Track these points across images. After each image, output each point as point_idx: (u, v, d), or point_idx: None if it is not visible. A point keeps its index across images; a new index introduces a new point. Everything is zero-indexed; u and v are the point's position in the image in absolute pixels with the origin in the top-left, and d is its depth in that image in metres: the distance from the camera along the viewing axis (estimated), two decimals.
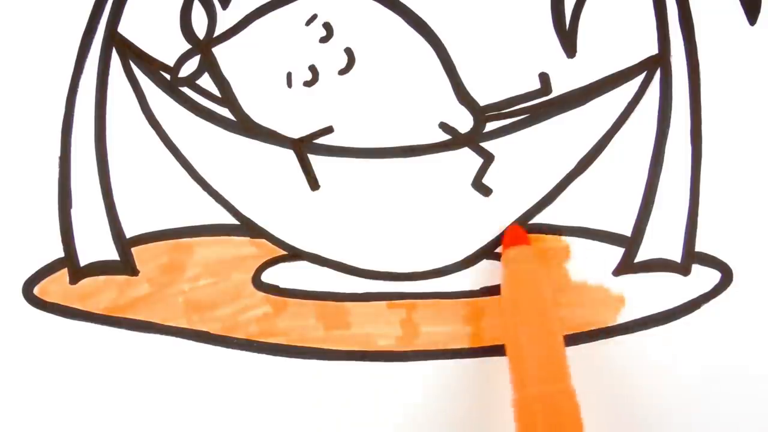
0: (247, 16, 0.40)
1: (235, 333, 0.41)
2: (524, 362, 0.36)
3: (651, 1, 0.39)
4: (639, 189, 0.40)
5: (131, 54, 0.40)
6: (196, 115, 0.40)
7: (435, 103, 0.40)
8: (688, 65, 0.39)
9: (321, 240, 0.40)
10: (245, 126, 0.40)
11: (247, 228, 0.40)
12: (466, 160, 0.40)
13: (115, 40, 0.40)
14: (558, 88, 0.40)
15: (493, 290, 0.40)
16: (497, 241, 0.40)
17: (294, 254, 0.40)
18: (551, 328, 0.37)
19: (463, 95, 0.40)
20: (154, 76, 0.40)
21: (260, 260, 0.41)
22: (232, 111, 0.40)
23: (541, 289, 0.38)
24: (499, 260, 0.40)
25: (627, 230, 0.40)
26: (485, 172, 0.40)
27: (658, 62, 0.40)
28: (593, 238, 0.40)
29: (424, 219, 0.40)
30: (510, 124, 0.40)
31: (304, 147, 0.40)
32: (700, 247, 0.40)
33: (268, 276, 0.41)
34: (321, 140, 0.40)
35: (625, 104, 0.40)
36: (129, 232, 0.41)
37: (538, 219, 0.40)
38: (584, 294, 0.40)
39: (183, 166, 0.40)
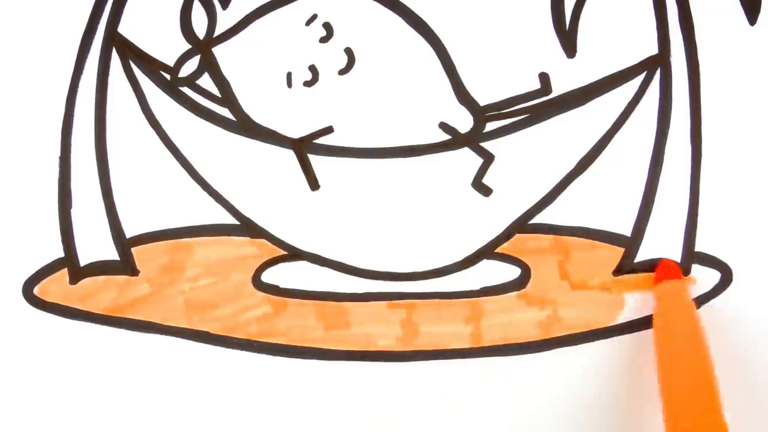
0: (247, 16, 0.40)
1: (235, 333, 0.41)
2: (676, 395, 0.36)
3: (651, 1, 0.39)
4: (639, 189, 0.40)
5: (131, 54, 0.40)
6: (196, 115, 0.40)
7: (435, 103, 0.40)
8: (688, 65, 0.39)
9: (321, 240, 0.40)
10: (245, 126, 0.40)
11: (247, 228, 0.40)
12: (466, 160, 0.40)
13: (115, 40, 0.40)
14: (558, 88, 0.40)
15: (493, 290, 0.40)
16: (497, 241, 0.40)
17: (294, 254, 0.41)
18: (707, 364, 0.36)
19: (463, 95, 0.40)
20: (154, 76, 0.40)
21: (260, 260, 0.41)
22: (232, 111, 0.40)
23: (692, 321, 0.38)
24: (498, 260, 0.40)
25: (627, 230, 0.40)
26: (485, 172, 0.40)
27: (658, 62, 0.40)
28: (593, 238, 0.40)
29: (424, 219, 0.40)
30: (510, 124, 0.40)
31: (304, 147, 0.40)
32: (700, 247, 0.40)
33: (268, 276, 0.41)
34: (321, 140, 0.40)
35: (625, 104, 0.40)
36: (129, 232, 0.41)
37: (538, 219, 0.40)
38: (584, 294, 0.40)
39: (183, 166, 0.40)
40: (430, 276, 0.40)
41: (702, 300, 0.40)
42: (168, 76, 0.40)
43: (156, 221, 0.40)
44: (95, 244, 0.41)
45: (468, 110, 0.40)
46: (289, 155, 0.40)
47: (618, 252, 0.40)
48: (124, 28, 0.40)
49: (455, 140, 0.40)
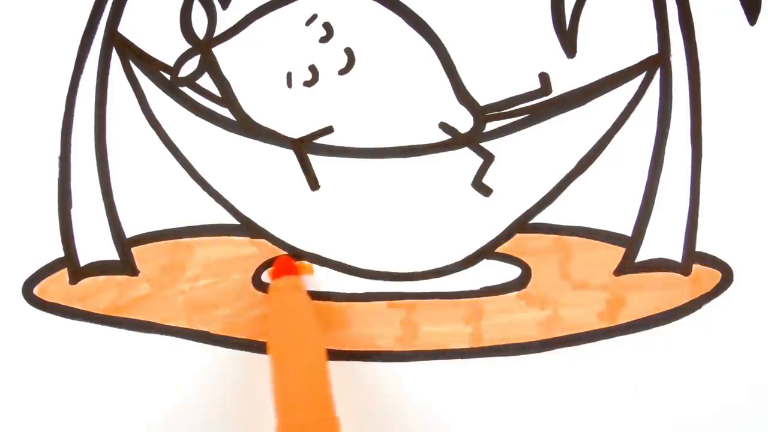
0: (247, 16, 0.40)
1: (235, 333, 0.41)
2: (287, 389, 0.36)
3: (651, 1, 0.39)
4: (639, 189, 0.40)
5: (131, 54, 0.40)
6: (196, 115, 0.40)
7: (435, 103, 0.40)
8: (688, 65, 0.39)
9: (321, 240, 0.40)
10: (245, 126, 0.40)
11: (247, 228, 0.40)
12: (466, 160, 0.40)
13: (115, 40, 0.40)
14: (558, 88, 0.39)
15: (493, 290, 0.40)
16: (497, 241, 0.40)
17: (294, 254, 0.40)
18: (314, 354, 0.37)
19: (463, 95, 0.40)
20: (154, 76, 0.40)
21: (260, 260, 0.40)
22: (232, 111, 0.40)
23: (304, 316, 0.38)
24: (499, 260, 0.40)
25: (627, 230, 0.40)
26: (485, 172, 0.40)
27: (658, 62, 0.40)
28: (593, 238, 0.40)
29: (424, 219, 0.40)
30: (510, 124, 0.40)
31: (304, 147, 0.40)
32: (700, 247, 0.40)
33: (268, 276, 0.41)
34: (321, 140, 0.40)
35: (625, 104, 0.40)
36: (129, 232, 0.41)
37: (538, 219, 0.40)
38: (584, 294, 0.40)
39: (183, 166, 0.40)
40: (430, 276, 0.40)
41: (702, 300, 0.40)
42: (168, 76, 0.40)
43: (156, 221, 0.40)
44: (95, 244, 0.41)
45: (468, 110, 0.40)
46: (289, 155, 0.40)
47: (619, 252, 0.40)
48: (124, 28, 0.40)
49: (455, 140, 0.40)
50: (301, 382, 0.36)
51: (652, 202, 0.40)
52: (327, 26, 0.39)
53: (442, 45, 0.39)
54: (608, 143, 0.40)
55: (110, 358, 0.41)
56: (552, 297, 0.40)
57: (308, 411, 0.35)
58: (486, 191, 0.40)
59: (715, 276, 0.40)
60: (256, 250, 0.40)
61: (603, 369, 0.40)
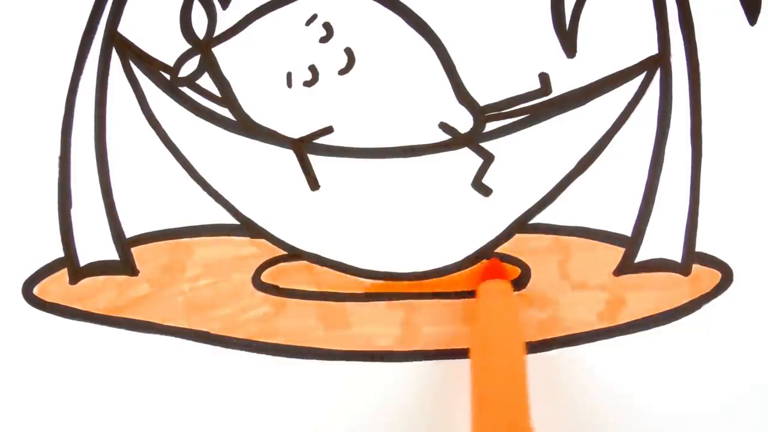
0: (247, 16, 0.40)
1: (235, 333, 0.41)
2: (486, 397, 0.36)
3: (651, 1, 0.39)
4: (639, 189, 0.40)
5: (131, 54, 0.40)
6: (196, 115, 0.40)
7: (435, 103, 0.40)
8: (688, 65, 0.39)
9: (321, 240, 0.40)
10: (245, 126, 0.40)
11: (247, 228, 0.40)
12: (466, 160, 0.40)
13: (115, 40, 0.40)
14: (558, 88, 0.39)
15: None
16: (497, 241, 0.40)
17: (294, 254, 0.40)
18: (517, 360, 0.37)
19: (463, 95, 0.40)
20: (154, 76, 0.40)
21: (260, 260, 0.41)
22: (232, 111, 0.40)
23: (513, 321, 0.38)
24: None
25: (627, 230, 0.40)
26: (485, 172, 0.40)
27: (658, 62, 0.40)
28: (593, 238, 0.40)
29: (424, 219, 0.40)
30: (510, 124, 0.40)
31: (304, 147, 0.40)
32: (700, 247, 0.40)
33: (268, 276, 0.41)
34: (321, 140, 0.40)
35: (625, 104, 0.40)
36: (129, 232, 0.41)
37: (538, 219, 0.40)
38: (584, 294, 0.40)
39: (183, 166, 0.40)
40: (430, 276, 0.40)
41: (702, 300, 0.40)
42: (168, 76, 0.40)
43: (156, 221, 0.40)
44: (95, 244, 0.41)
45: (468, 110, 0.40)
46: (289, 155, 0.40)
47: (618, 252, 0.40)
48: (124, 28, 0.40)
49: (455, 140, 0.40)
50: (503, 392, 0.36)
51: (652, 202, 0.40)
52: (327, 26, 0.40)
53: (442, 45, 0.39)
54: (608, 143, 0.40)
55: (110, 358, 0.41)
56: (552, 297, 0.40)
57: (508, 416, 0.35)
58: (486, 191, 0.40)
59: (715, 276, 0.40)
60: (256, 250, 0.40)
61: (603, 369, 0.40)
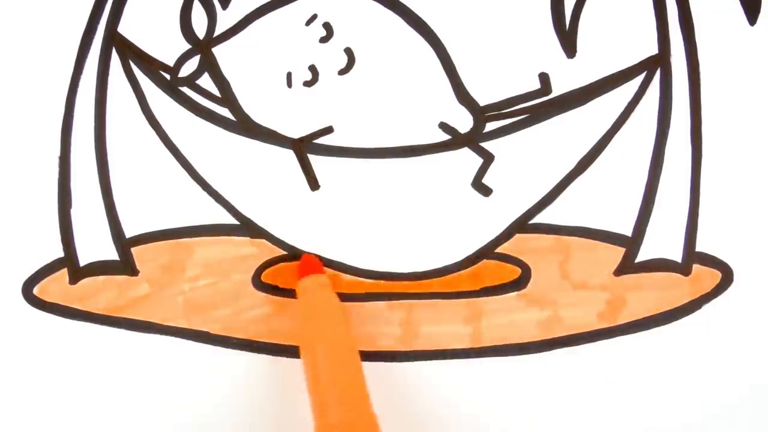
0: (247, 16, 0.40)
1: (235, 333, 0.41)
2: (323, 389, 0.36)
3: (651, 1, 0.39)
4: (639, 189, 0.40)
5: (131, 54, 0.40)
6: (196, 115, 0.40)
7: (435, 103, 0.40)
8: (688, 65, 0.39)
9: (321, 240, 0.40)
10: (245, 126, 0.40)
11: (247, 228, 0.40)
12: (466, 160, 0.40)
13: (115, 40, 0.40)
14: (558, 88, 0.39)
15: (493, 290, 0.40)
16: (497, 241, 0.40)
17: (294, 254, 0.40)
18: (347, 353, 0.37)
19: (463, 95, 0.40)
20: (154, 76, 0.40)
21: (260, 260, 0.40)
22: (232, 111, 0.40)
23: (335, 314, 0.38)
24: (498, 260, 0.40)
25: (627, 230, 0.40)
26: (485, 172, 0.40)
27: (658, 62, 0.40)
28: (593, 238, 0.40)
29: (424, 219, 0.40)
30: (510, 124, 0.40)
31: (304, 147, 0.40)
32: (700, 247, 0.40)
33: (268, 276, 0.41)
34: (321, 140, 0.40)
35: (625, 104, 0.40)
36: (129, 232, 0.41)
37: (538, 219, 0.40)
38: (584, 294, 0.40)
39: (183, 166, 0.40)
40: (430, 276, 0.40)
41: (702, 300, 0.40)
42: (168, 76, 0.40)
43: (156, 221, 0.40)
44: (95, 244, 0.41)
45: (468, 110, 0.40)
46: (289, 155, 0.40)
47: (618, 252, 0.40)
48: (124, 28, 0.40)
49: (455, 140, 0.40)
50: (338, 382, 0.36)
51: (652, 202, 0.40)
52: (327, 26, 0.39)
53: (442, 45, 0.39)
54: (608, 143, 0.40)
55: (110, 358, 0.41)
56: (552, 297, 0.40)
57: (347, 410, 0.35)
58: (486, 191, 0.40)
59: (715, 276, 0.40)
60: (256, 250, 0.40)
61: (603, 369, 0.40)
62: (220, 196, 0.40)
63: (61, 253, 0.41)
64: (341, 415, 0.35)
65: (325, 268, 0.40)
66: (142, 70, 0.40)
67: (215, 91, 0.40)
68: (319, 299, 0.39)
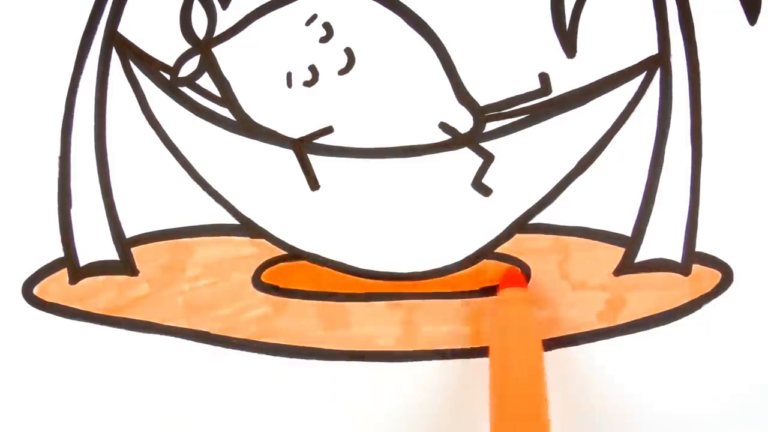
0: (247, 16, 0.40)
1: (235, 333, 0.41)
2: (508, 404, 0.36)
3: (651, 1, 0.39)
4: (639, 189, 0.40)
5: (131, 54, 0.40)
6: (196, 115, 0.40)
7: (435, 103, 0.40)
8: (688, 65, 0.39)
9: (321, 240, 0.40)
10: (245, 126, 0.40)
11: (247, 228, 0.40)
12: (466, 160, 0.40)
13: (115, 40, 0.40)
14: (558, 88, 0.39)
15: (493, 290, 0.40)
16: (497, 241, 0.40)
17: (294, 254, 0.40)
18: (536, 368, 0.37)
19: (463, 95, 0.40)
20: (154, 76, 0.40)
21: (260, 260, 0.41)
22: (232, 111, 0.40)
23: (530, 330, 0.38)
24: (498, 260, 0.40)
25: (627, 230, 0.40)
26: (485, 172, 0.40)
27: (658, 62, 0.40)
28: (593, 238, 0.40)
29: (424, 219, 0.40)
30: (510, 124, 0.40)
31: (304, 147, 0.40)
32: (700, 247, 0.40)
33: (268, 276, 0.41)
34: (321, 140, 0.40)
35: (625, 104, 0.40)
36: (129, 232, 0.41)
37: (538, 219, 0.40)
38: (584, 294, 0.40)
39: (183, 166, 0.40)
40: (430, 276, 0.40)
41: (702, 300, 0.40)
42: (168, 76, 0.40)
43: (156, 221, 0.40)
44: (95, 244, 0.41)
45: (468, 110, 0.40)
46: (289, 155, 0.40)
47: (618, 252, 0.40)
48: (124, 28, 0.40)
49: (455, 140, 0.40)
50: (522, 396, 0.36)
51: (652, 202, 0.40)
52: (327, 26, 0.40)
53: (442, 45, 0.39)
54: (608, 143, 0.40)
55: (110, 358, 0.41)
56: (552, 297, 0.40)
57: (527, 424, 0.35)
58: (486, 191, 0.40)
59: (715, 276, 0.40)
60: (256, 250, 0.40)
61: (603, 369, 0.40)
62: (220, 196, 0.40)
63: (61, 253, 0.41)
64: (519, 423, 0.35)
65: (325, 268, 0.40)
66: (142, 70, 0.40)
67: (215, 91, 0.40)
68: (516, 312, 0.38)
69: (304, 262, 0.41)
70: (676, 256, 0.40)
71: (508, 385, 0.36)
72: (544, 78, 0.39)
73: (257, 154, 0.40)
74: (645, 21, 0.39)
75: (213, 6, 0.40)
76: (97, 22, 0.40)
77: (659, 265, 0.40)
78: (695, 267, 0.40)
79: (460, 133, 0.40)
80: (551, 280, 0.40)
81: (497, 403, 0.36)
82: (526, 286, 0.40)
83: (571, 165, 0.40)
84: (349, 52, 0.40)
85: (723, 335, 0.40)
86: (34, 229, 0.40)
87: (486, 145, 0.40)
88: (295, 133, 0.40)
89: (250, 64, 0.40)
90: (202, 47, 0.40)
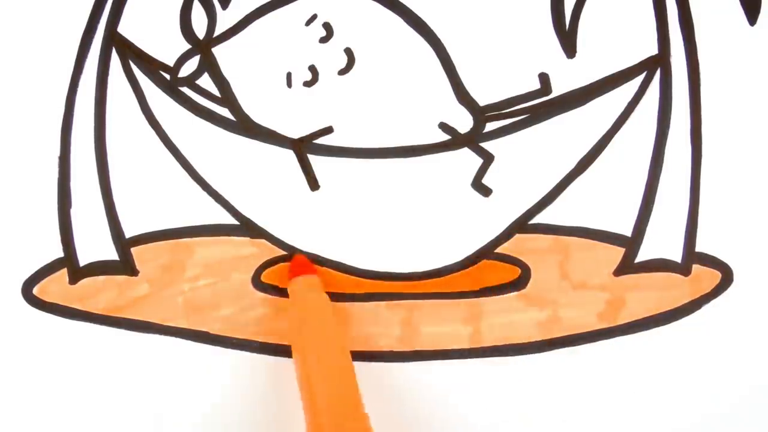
0: (247, 16, 0.40)
1: (235, 333, 0.41)
2: (314, 390, 0.35)
3: (651, 1, 0.39)
4: (639, 189, 0.40)
5: (131, 54, 0.40)
6: (196, 115, 0.40)
7: (435, 103, 0.40)
8: (688, 65, 0.39)
9: (321, 240, 0.40)
10: (245, 126, 0.40)
11: (247, 228, 0.40)
12: (466, 160, 0.40)
13: (115, 40, 0.40)
14: (558, 88, 0.40)
15: (493, 290, 0.40)
16: (497, 241, 0.40)
17: (294, 254, 0.40)
18: (338, 354, 0.37)
19: (463, 95, 0.40)
20: (154, 76, 0.40)
21: (260, 260, 0.40)
22: (232, 111, 0.40)
23: (326, 315, 0.38)
24: (498, 260, 0.40)
25: (627, 230, 0.40)
26: (485, 172, 0.40)
27: (658, 62, 0.40)
28: (593, 238, 0.40)
29: (424, 219, 0.40)
30: (510, 124, 0.40)
31: (304, 147, 0.40)
32: (700, 247, 0.40)
33: (268, 276, 0.41)
34: (321, 140, 0.40)
35: (625, 104, 0.40)
36: (129, 232, 0.41)
37: (538, 219, 0.40)
38: (584, 294, 0.40)
39: (183, 166, 0.40)
40: (430, 276, 0.40)
41: (702, 300, 0.40)
42: (168, 76, 0.40)
43: (156, 221, 0.40)
44: (95, 244, 0.41)
45: (468, 110, 0.40)
46: (289, 155, 0.40)
47: (618, 252, 0.40)
48: (124, 28, 0.40)
49: (455, 140, 0.40)
50: (329, 383, 0.35)
51: (652, 202, 0.40)
52: (327, 26, 0.39)
53: (442, 45, 0.39)
54: (608, 143, 0.40)
55: (110, 359, 0.41)
56: (552, 297, 0.40)
57: (337, 411, 0.35)
58: (486, 191, 0.40)
59: (715, 276, 0.40)
60: (256, 250, 0.40)
61: (603, 369, 0.40)
62: (220, 196, 0.40)
63: (61, 253, 0.41)
64: (332, 416, 0.34)
65: (324, 268, 0.40)
66: (142, 70, 0.40)
67: (215, 91, 0.40)
68: (309, 300, 0.39)
69: None
70: (676, 256, 0.40)
71: (317, 379, 0.35)
72: (544, 78, 0.39)
73: (257, 154, 0.40)
74: (645, 21, 0.39)
75: (213, 6, 0.40)
76: (97, 22, 0.40)
77: (659, 265, 0.40)
78: (695, 267, 0.40)
79: (460, 134, 0.40)
80: (551, 280, 0.40)
81: (308, 404, 0.35)
82: (316, 273, 0.39)
83: (571, 165, 0.40)
84: (348, 52, 0.40)
85: (723, 335, 0.40)
86: (34, 229, 0.40)
87: (486, 145, 0.40)
88: (295, 133, 0.40)
89: (250, 64, 0.40)
90: (202, 47, 0.40)
